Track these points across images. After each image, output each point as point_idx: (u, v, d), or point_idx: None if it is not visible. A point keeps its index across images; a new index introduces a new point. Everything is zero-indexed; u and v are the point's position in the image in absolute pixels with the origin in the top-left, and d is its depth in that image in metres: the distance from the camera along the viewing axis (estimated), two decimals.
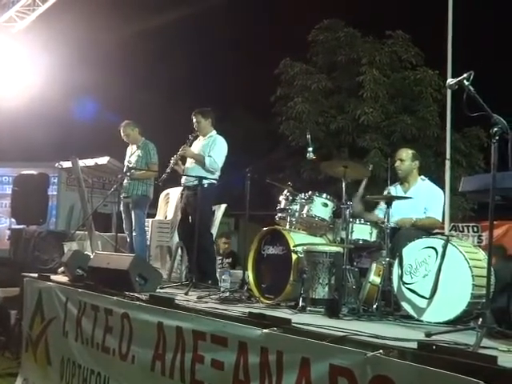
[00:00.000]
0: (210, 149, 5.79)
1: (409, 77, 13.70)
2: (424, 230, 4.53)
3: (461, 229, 9.62)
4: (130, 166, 6.42)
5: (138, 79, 16.21)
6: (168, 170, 5.76)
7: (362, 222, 4.34)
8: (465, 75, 2.80)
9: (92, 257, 5.37)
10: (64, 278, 5.61)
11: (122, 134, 6.64)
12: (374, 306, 3.76)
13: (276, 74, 14.53)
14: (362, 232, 4.29)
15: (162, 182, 5.86)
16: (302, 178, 13.36)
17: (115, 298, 4.35)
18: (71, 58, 12.52)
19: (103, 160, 6.72)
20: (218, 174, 5.85)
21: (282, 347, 2.89)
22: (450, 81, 2.92)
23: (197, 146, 5.95)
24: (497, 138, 2.72)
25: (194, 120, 5.89)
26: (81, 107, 14.53)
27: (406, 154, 4.91)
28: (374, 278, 3.93)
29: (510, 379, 2.06)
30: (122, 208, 6.55)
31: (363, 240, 4.29)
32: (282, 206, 4.69)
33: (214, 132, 5.96)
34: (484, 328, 2.64)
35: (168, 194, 7.22)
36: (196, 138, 5.96)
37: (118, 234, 6.46)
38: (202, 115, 5.88)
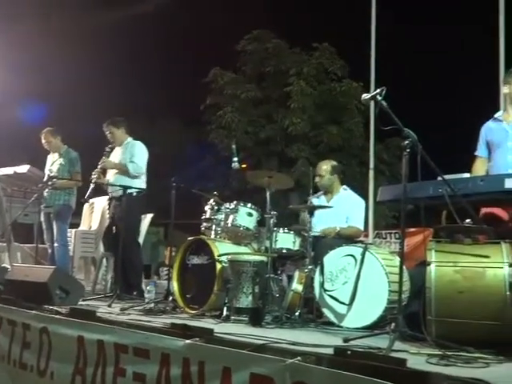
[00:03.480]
0: (131, 155, 5.77)
1: (335, 88, 14.13)
2: (347, 238, 4.69)
3: (384, 236, 9.94)
4: (52, 174, 6.22)
5: (67, 86, 15.73)
6: (92, 186, 5.63)
7: (286, 231, 4.42)
8: (378, 91, 2.93)
9: (10, 269, 5.16)
10: None
11: (43, 142, 6.44)
12: (297, 314, 3.82)
13: (206, 82, 14.58)
14: (285, 241, 4.37)
15: (87, 199, 5.75)
16: (230, 186, 13.43)
17: (33, 312, 4.19)
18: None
19: (23, 168, 6.45)
20: (144, 178, 5.82)
21: (204, 357, 2.88)
22: (365, 95, 3.05)
23: (116, 156, 5.91)
24: (407, 150, 2.86)
25: (107, 132, 5.88)
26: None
27: (324, 168, 5.06)
28: (297, 285, 4.01)
29: (417, 380, 2.16)
30: (42, 218, 6.34)
31: (287, 249, 4.38)
32: (208, 215, 4.71)
33: (130, 138, 5.96)
34: (396, 332, 2.76)
35: (93, 203, 7.05)
36: (113, 149, 5.92)
37: (39, 246, 6.24)
38: (113, 125, 5.88)
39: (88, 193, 5.61)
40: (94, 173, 5.65)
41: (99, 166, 5.70)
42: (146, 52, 18.15)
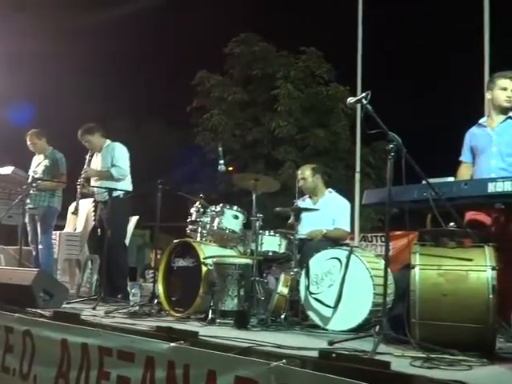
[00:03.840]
0: (112, 158, 5.72)
1: (322, 92, 14.19)
2: (333, 241, 4.70)
3: (370, 239, 9.98)
4: (37, 176, 6.17)
5: (52, 88, 15.59)
6: (78, 196, 5.61)
7: (272, 233, 4.42)
8: (363, 95, 2.94)
9: None
10: None
11: (29, 143, 6.39)
12: (282, 317, 3.83)
13: (192, 85, 14.57)
14: (271, 244, 4.37)
15: (76, 212, 5.71)
16: (217, 189, 13.42)
17: (16, 315, 4.14)
18: None
19: (7, 170, 6.39)
20: (129, 179, 5.78)
21: (189, 360, 2.87)
22: (350, 99, 3.07)
23: (98, 162, 5.86)
24: (392, 154, 2.88)
25: (83, 141, 5.82)
26: None
27: (306, 171, 5.13)
28: (282, 288, 4.01)
29: (401, 383, 2.17)
30: (27, 220, 6.27)
31: (272, 251, 4.39)
32: (194, 218, 4.70)
33: (108, 141, 5.90)
34: (381, 335, 2.77)
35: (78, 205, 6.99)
36: (93, 155, 5.87)
37: (23, 248, 6.17)
38: (88, 133, 5.81)
39: (75, 205, 5.61)
40: (77, 183, 5.60)
41: (82, 176, 5.64)
42: (133, 54, 18.09)
